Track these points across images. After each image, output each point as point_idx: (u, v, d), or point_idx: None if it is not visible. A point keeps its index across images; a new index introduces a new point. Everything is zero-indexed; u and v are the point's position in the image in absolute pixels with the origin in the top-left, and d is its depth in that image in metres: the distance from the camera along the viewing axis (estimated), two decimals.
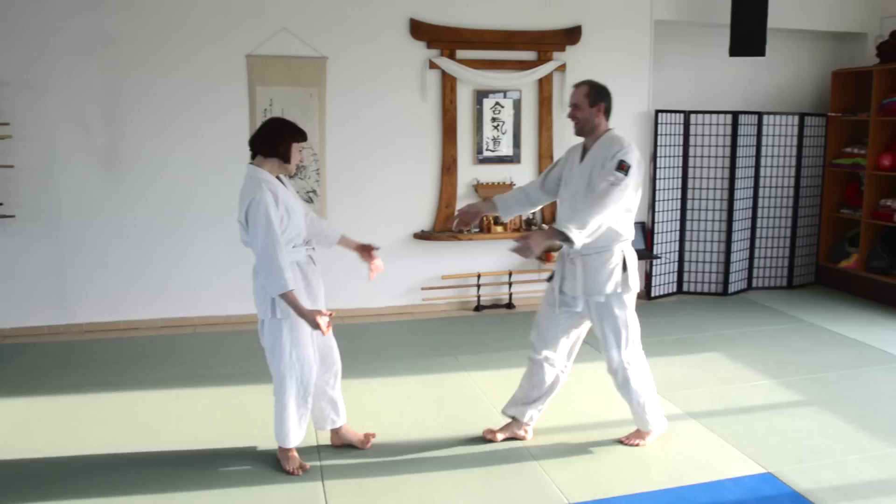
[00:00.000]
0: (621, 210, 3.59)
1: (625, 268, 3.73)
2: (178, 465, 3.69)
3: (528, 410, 3.98)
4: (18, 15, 5.64)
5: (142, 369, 5.12)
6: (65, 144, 5.85)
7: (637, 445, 3.91)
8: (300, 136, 3.57)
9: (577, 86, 3.70)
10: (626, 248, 3.76)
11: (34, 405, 4.49)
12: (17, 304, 5.94)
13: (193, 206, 6.09)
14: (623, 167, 3.52)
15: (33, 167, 5.81)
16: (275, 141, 3.51)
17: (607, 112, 3.71)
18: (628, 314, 3.80)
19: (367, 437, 3.93)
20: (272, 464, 3.69)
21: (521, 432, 3.98)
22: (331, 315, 3.50)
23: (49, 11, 5.69)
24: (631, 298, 3.82)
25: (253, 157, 3.59)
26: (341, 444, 3.92)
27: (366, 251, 3.91)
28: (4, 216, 5.75)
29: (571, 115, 3.71)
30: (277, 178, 3.57)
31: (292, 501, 3.37)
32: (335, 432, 3.92)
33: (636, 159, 3.58)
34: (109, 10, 5.78)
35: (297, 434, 3.66)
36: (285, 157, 3.52)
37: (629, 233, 3.76)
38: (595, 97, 3.65)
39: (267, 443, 3.89)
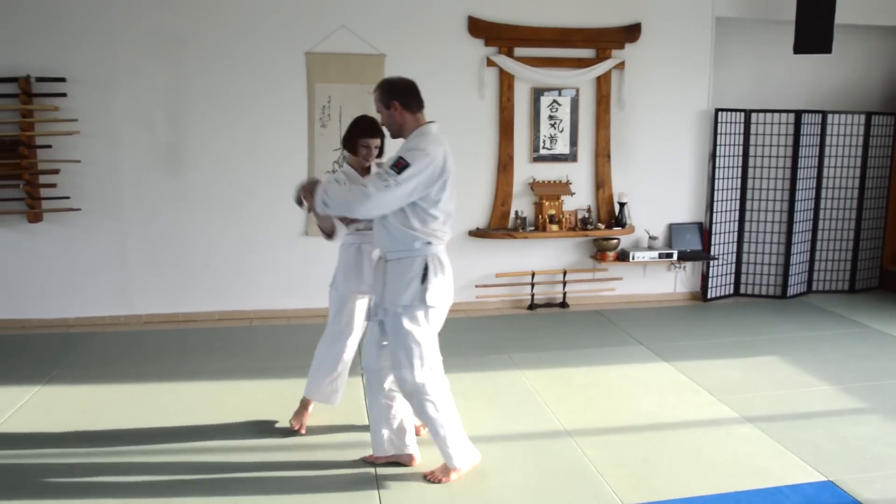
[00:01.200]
0: (422, 213, 3.30)
1: (424, 279, 3.33)
2: (232, 459, 3.77)
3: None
4: (88, 15, 5.82)
5: (199, 361, 5.23)
6: (130, 141, 6.02)
7: (440, 482, 3.51)
8: (364, 132, 3.84)
9: (374, 90, 3.44)
10: (431, 258, 3.36)
11: (97, 392, 4.63)
12: (82, 294, 6.14)
13: (252, 202, 6.20)
14: (399, 164, 3.18)
15: (99, 162, 5.99)
16: (346, 137, 3.93)
17: (407, 106, 3.36)
18: (422, 331, 3.38)
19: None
20: (328, 462, 3.73)
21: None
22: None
23: (117, 12, 5.85)
24: (428, 315, 3.39)
25: None
26: None
27: None
28: (71, 209, 5.93)
29: (380, 122, 3.53)
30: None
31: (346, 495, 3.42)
32: None
33: (426, 161, 3.21)
34: (174, 10, 5.92)
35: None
36: (352, 151, 3.91)
37: (437, 240, 3.37)
38: (386, 97, 3.36)
39: (324, 440, 3.95)
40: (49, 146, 5.86)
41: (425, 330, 3.39)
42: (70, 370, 5.03)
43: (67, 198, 5.93)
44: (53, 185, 5.90)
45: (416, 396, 3.43)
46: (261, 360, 5.25)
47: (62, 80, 5.81)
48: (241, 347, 5.56)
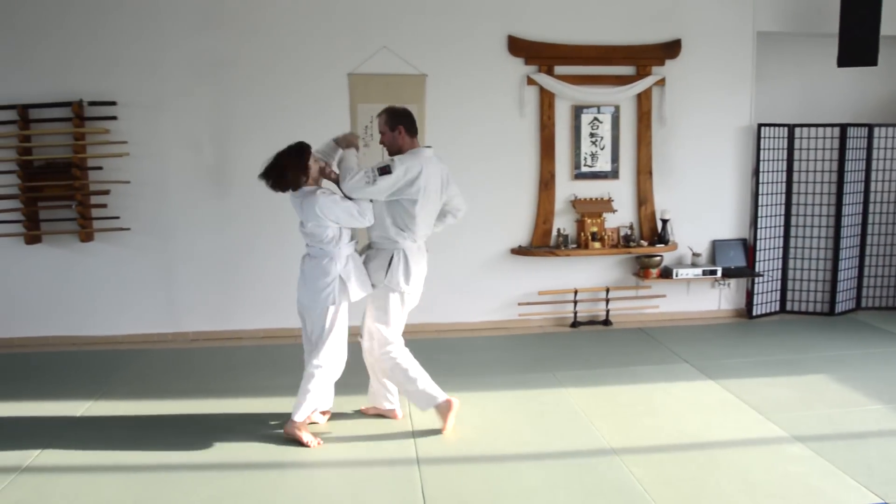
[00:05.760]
0: (396, 213, 4.08)
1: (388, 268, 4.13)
2: (280, 471, 3.82)
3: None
4: (137, 40, 5.98)
5: (246, 378, 5.30)
6: (177, 161, 6.15)
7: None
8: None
9: (379, 115, 4.25)
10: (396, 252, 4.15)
11: (147, 408, 4.72)
12: (130, 312, 6.27)
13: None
14: (384, 169, 3.97)
15: (148, 183, 6.12)
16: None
17: (409, 132, 4.16)
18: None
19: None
20: (373, 482, 3.76)
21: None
22: None
23: (164, 35, 6.01)
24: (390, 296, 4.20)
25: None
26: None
27: None
28: (121, 229, 6.07)
29: (381, 141, 4.24)
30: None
31: None
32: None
33: (408, 172, 3.99)
34: (220, 33, 6.05)
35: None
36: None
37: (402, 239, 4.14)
38: (393, 122, 4.15)
39: (374, 454, 3.98)
40: (100, 168, 6.02)
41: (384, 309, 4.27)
42: (120, 386, 5.14)
43: (117, 218, 6.07)
44: (104, 206, 6.05)
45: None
46: None
47: (113, 103, 5.98)
48: (287, 365, 5.59)
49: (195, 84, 6.10)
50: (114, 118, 5.98)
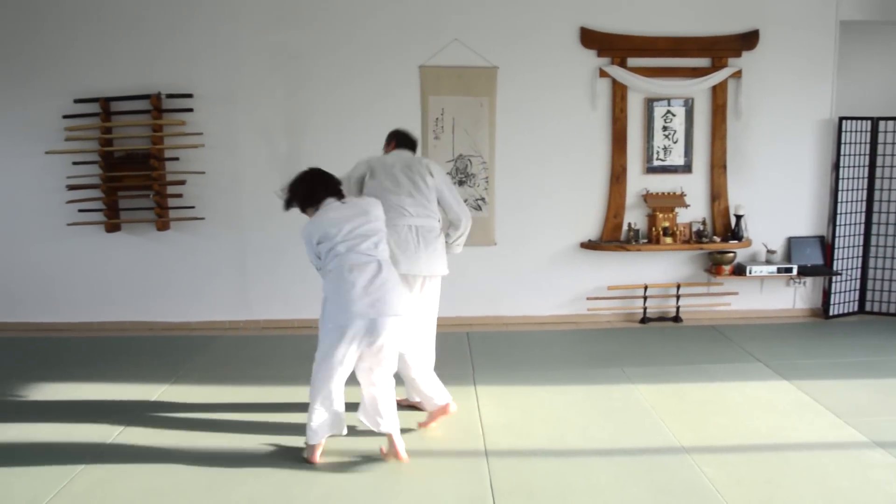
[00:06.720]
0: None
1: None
2: (351, 460, 3.86)
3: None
4: (213, 34, 6.12)
5: None
6: (250, 152, 6.27)
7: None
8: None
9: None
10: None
11: (220, 393, 4.84)
12: (204, 299, 6.43)
13: None
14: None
15: (222, 173, 6.26)
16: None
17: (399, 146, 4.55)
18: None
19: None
20: (441, 474, 3.78)
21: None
22: None
23: (239, 29, 6.14)
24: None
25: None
26: None
27: None
28: (196, 218, 6.22)
29: None
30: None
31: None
32: None
33: (357, 167, 4.53)
34: (293, 26, 6.14)
35: None
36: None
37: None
38: (387, 139, 4.63)
39: (443, 446, 3.99)
40: (177, 158, 6.17)
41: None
42: (194, 371, 5.28)
43: (193, 207, 6.22)
44: (180, 196, 6.21)
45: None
46: None
47: (189, 95, 6.12)
48: None
49: (268, 76, 6.20)
50: (190, 110, 6.13)
